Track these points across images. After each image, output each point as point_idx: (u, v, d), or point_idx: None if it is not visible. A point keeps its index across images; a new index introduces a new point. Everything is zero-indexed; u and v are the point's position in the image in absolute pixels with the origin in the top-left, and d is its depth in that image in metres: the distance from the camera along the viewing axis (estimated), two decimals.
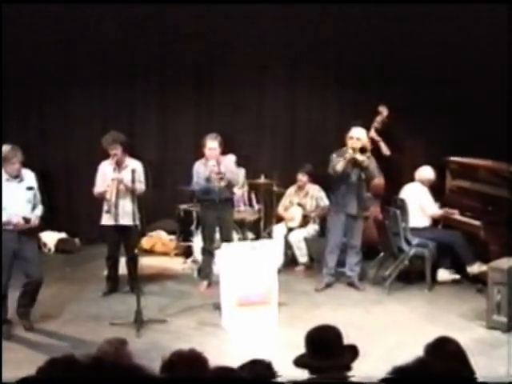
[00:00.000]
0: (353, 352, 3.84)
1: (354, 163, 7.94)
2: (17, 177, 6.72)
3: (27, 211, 6.72)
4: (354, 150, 7.87)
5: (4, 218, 6.58)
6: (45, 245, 9.82)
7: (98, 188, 7.79)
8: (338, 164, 7.88)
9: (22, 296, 6.85)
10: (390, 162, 9.31)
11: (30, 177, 6.86)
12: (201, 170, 8.06)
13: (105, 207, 7.72)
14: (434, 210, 8.56)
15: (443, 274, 8.37)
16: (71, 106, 10.04)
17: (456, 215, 8.55)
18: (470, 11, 8.79)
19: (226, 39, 9.94)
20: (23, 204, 6.72)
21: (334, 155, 8.04)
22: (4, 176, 6.67)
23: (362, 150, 7.90)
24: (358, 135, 7.96)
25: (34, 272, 6.78)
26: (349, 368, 3.75)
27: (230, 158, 8.49)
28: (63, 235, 10.01)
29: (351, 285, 8.29)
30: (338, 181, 8.07)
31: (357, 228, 8.21)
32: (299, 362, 3.76)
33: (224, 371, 2.93)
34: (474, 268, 8.19)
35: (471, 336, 6.45)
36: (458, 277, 8.33)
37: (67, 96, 10.00)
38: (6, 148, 6.67)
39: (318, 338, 3.78)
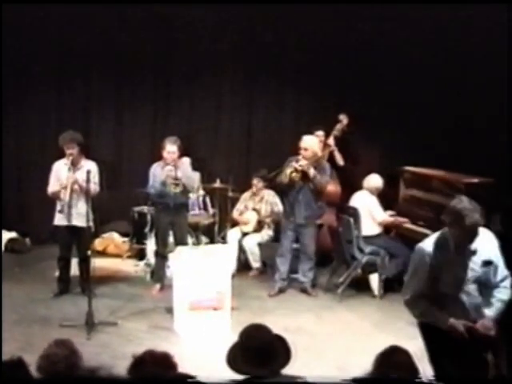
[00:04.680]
0: (285, 356, 3.72)
1: (302, 175, 7.99)
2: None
3: None
4: (296, 171, 7.94)
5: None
6: None
7: (52, 187, 7.70)
8: (283, 175, 7.98)
9: None
10: (345, 170, 9.40)
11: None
12: (157, 173, 8.00)
13: (58, 207, 7.63)
14: (383, 216, 8.55)
15: None
16: (25, 104, 9.89)
17: (408, 224, 8.62)
18: (421, 15, 8.87)
19: (184, 41, 9.93)
20: None
21: (286, 165, 8.08)
22: None
23: (304, 175, 7.96)
24: (305, 145, 7.99)
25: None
26: (278, 373, 3.64)
27: (186, 161, 8.45)
28: (13, 234, 9.84)
29: (304, 291, 8.33)
30: (285, 190, 8.15)
31: (308, 235, 8.22)
32: (232, 364, 3.67)
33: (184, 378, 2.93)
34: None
35: (419, 344, 6.52)
36: None
37: (21, 94, 9.85)
38: None
39: (252, 341, 3.67)
